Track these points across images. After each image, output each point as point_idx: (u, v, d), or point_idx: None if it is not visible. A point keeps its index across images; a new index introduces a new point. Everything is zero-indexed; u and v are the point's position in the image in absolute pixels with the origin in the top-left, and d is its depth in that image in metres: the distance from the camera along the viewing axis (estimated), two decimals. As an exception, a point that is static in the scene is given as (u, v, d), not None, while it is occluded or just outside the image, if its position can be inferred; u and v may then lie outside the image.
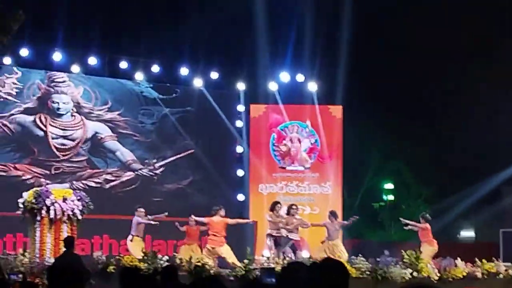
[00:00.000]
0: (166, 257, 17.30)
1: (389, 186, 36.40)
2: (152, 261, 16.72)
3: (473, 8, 30.28)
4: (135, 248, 19.00)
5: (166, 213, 20.30)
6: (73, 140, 23.96)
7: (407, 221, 20.50)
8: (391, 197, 36.73)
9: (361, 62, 28.13)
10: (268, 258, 18.59)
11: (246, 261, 17.77)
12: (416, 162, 36.05)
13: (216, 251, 19.30)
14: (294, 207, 20.24)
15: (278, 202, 20.77)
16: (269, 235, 19.92)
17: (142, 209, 19.83)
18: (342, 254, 19.34)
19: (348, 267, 17.89)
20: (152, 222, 19.76)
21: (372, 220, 35.53)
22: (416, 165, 36.22)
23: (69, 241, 14.61)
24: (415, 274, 18.44)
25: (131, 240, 19.62)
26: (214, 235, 19.49)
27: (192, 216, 20.20)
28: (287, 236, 19.69)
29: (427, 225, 20.18)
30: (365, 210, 33.18)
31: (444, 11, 31.51)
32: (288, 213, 20.02)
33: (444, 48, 31.82)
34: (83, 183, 23.74)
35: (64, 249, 14.52)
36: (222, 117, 25.72)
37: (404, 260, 18.93)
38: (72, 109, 23.97)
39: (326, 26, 27.03)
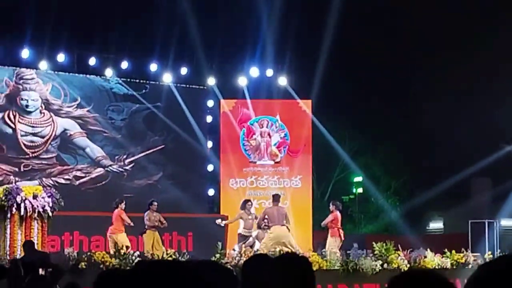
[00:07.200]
0: (137, 253, 17.32)
1: (358, 179, 36.58)
2: (124, 257, 16.72)
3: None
4: (146, 241, 19.59)
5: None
6: (42, 137, 23.84)
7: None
8: (360, 190, 36.92)
9: (332, 57, 28.15)
10: (239, 252, 18.63)
11: (217, 255, 17.81)
12: (384, 155, 36.36)
13: None
14: (249, 203, 20.57)
15: (249, 200, 20.92)
16: (241, 235, 20.21)
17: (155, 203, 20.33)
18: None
19: (319, 259, 18.05)
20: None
21: (342, 213, 35.64)
22: (385, 159, 36.52)
23: (29, 245, 14.62)
24: (385, 265, 18.61)
25: (144, 233, 20.07)
26: None
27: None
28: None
29: (337, 214, 20.49)
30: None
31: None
32: (243, 209, 20.35)
33: (415, 48, 32.07)
34: (52, 180, 23.63)
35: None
36: (191, 113, 25.70)
37: (375, 252, 19.11)
38: (41, 106, 23.85)
39: (295, 22, 27.11)
